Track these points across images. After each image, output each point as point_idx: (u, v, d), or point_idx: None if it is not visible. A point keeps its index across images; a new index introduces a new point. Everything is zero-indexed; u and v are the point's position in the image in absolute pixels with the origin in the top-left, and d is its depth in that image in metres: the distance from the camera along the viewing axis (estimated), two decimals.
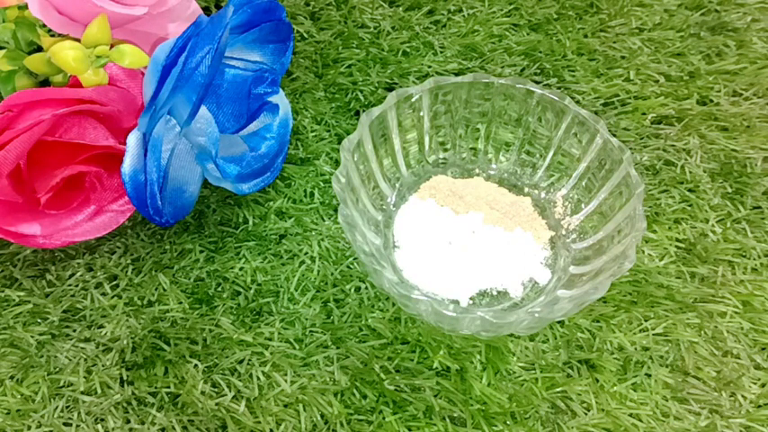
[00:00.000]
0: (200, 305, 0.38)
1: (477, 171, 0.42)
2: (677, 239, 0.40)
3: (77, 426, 0.34)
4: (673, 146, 0.44)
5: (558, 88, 0.46)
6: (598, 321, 0.37)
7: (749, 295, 0.38)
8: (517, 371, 0.36)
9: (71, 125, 0.35)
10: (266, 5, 0.38)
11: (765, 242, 0.40)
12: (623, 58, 0.48)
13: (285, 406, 0.35)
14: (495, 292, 0.37)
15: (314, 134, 0.44)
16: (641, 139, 0.44)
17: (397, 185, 0.41)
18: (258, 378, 0.35)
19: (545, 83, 0.47)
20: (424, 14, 0.50)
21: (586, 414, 0.35)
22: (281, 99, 0.41)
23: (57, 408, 0.34)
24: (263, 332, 0.37)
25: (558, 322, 0.37)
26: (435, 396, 0.35)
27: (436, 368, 0.36)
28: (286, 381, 0.35)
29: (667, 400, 0.35)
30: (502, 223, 0.39)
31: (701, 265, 0.39)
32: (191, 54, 0.34)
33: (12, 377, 0.35)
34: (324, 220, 0.41)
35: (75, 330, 0.37)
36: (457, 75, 0.42)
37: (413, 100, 0.39)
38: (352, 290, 0.38)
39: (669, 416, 0.35)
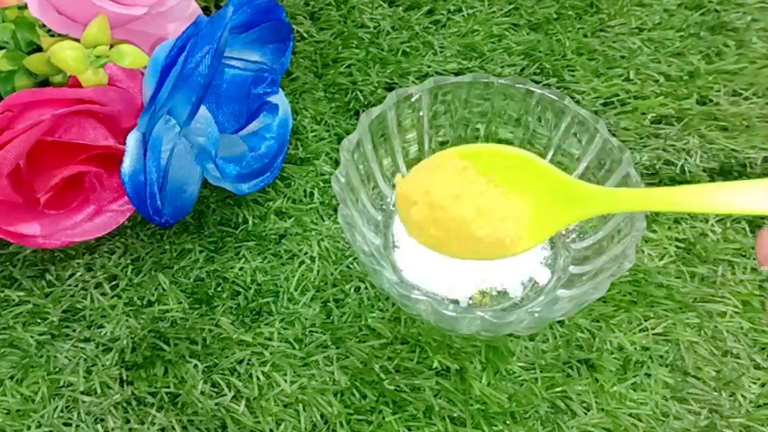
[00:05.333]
0: (200, 305, 0.38)
1: None
2: (677, 239, 0.40)
3: (77, 426, 0.34)
4: (672, 146, 0.44)
5: (558, 88, 0.46)
6: (598, 321, 0.37)
7: (749, 295, 0.38)
8: (517, 371, 0.36)
9: (71, 125, 0.35)
10: (266, 5, 0.38)
11: None
12: (623, 57, 0.48)
13: (285, 406, 0.35)
14: (494, 292, 0.37)
15: (314, 134, 0.44)
16: (641, 138, 0.44)
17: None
18: (258, 378, 0.35)
19: (545, 83, 0.47)
20: (423, 14, 0.50)
21: (586, 414, 0.35)
22: (280, 99, 0.41)
23: (57, 408, 0.34)
24: (263, 332, 0.37)
25: (558, 322, 0.37)
26: (435, 396, 0.35)
27: (436, 368, 0.36)
28: (286, 381, 0.35)
29: (667, 400, 0.35)
30: None
31: (700, 265, 0.39)
32: (190, 54, 0.34)
33: (12, 377, 0.35)
34: (324, 220, 0.41)
35: (74, 330, 0.37)
36: (457, 75, 0.42)
37: (412, 100, 0.39)
38: (352, 290, 0.38)
39: (669, 416, 0.35)
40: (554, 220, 0.33)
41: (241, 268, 0.39)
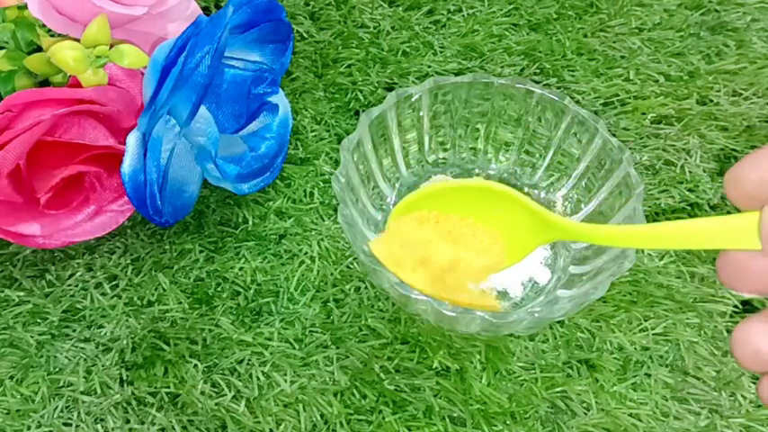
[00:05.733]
0: (200, 305, 0.38)
1: (476, 171, 0.42)
2: None
3: (77, 426, 0.34)
4: (672, 146, 0.44)
5: (558, 88, 0.46)
6: (598, 321, 0.37)
7: None
8: (517, 371, 0.36)
9: (71, 125, 0.35)
10: (266, 5, 0.38)
11: None
12: (623, 57, 0.48)
13: (285, 406, 0.35)
14: (494, 292, 0.37)
15: (314, 134, 0.44)
16: (641, 138, 0.44)
17: (397, 185, 0.41)
18: (258, 378, 0.35)
19: (545, 83, 0.47)
20: (423, 14, 0.50)
21: (586, 414, 0.35)
22: (280, 99, 0.41)
23: (56, 408, 0.34)
24: (263, 332, 0.37)
25: (558, 322, 0.37)
26: (435, 396, 0.35)
27: (436, 368, 0.36)
28: (286, 381, 0.35)
29: (667, 400, 0.35)
30: None
31: (700, 265, 0.39)
32: (190, 54, 0.34)
33: (12, 377, 0.35)
34: (324, 220, 0.41)
35: (74, 330, 0.37)
36: (457, 75, 0.42)
37: (412, 100, 0.39)
38: (352, 290, 0.38)
39: (669, 416, 0.35)
40: (527, 241, 0.35)
41: (241, 268, 0.39)
